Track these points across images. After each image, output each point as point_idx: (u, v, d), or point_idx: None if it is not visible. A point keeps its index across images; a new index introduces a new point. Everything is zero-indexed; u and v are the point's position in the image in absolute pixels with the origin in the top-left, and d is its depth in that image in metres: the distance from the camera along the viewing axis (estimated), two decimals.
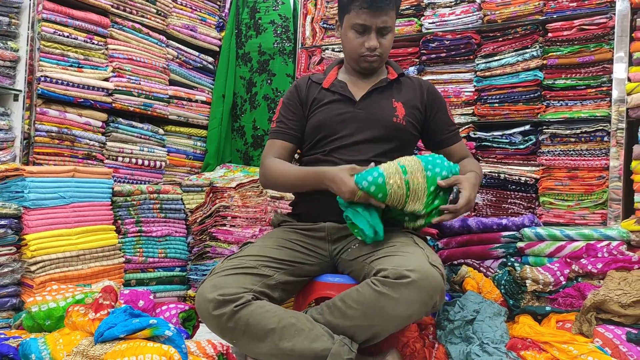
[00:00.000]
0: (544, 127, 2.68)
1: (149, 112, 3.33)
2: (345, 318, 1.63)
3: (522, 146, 2.72)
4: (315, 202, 1.92)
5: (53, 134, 2.87)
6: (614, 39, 2.52)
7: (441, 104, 2.14)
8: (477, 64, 2.86)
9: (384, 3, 1.89)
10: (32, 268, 2.39)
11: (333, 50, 3.35)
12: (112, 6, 3.14)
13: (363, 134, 1.96)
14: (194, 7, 3.69)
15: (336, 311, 1.66)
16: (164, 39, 3.46)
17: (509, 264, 2.11)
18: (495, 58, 2.82)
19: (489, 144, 2.80)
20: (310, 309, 1.73)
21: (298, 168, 1.94)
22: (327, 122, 1.99)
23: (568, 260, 2.00)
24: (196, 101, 3.67)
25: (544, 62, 2.68)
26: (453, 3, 2.96)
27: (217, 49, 3.84)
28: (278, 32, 3.70)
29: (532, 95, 2.71)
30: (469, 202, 1.75)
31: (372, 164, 1.77)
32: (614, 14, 2.51)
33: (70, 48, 2.97)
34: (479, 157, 2.83)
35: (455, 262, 2.31)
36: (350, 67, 2.08)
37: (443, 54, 2.95)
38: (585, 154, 2.57)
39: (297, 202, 2.06)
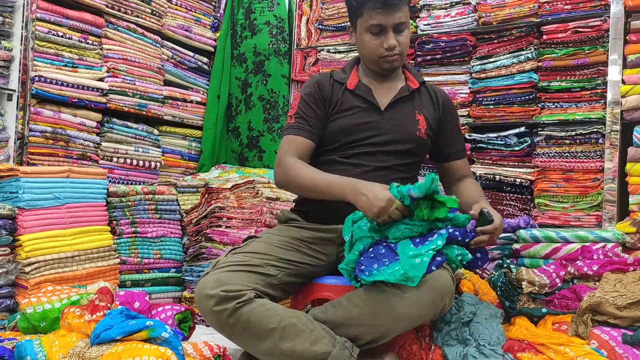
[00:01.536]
0: (539, 129, 2.69)
1: (144, 113, 3.32)
2: (350, 317, 1.63)
3: (517, 148, 2.73)
4: (326, 203, 1.87)
5: (47, 134, 2.85)
6: (608, 42, 2.53)
7: (454, 117, 2.14)
8: (473, 66, 2.87)
9: (397, 0, 1.86)
10: (27, 269, 2.37)
11: (328, 51, 3.35)
12: (107, 6, 3.12)
13: (386, 144, 1.95)
14: (189, 8, 3.68)
15: (341, 310, 1.65)
16: (159, 39, 3.44)
17: (505, 265, 2.12)
18: (491, 60, 2.83)
19: (485, 145, 2.81)
20: (312, 309, 1.73)
21: (322, 175, 1.84)
22: (351, 128, 1.96)
23: (564, 262, 2.01)
24: (191, 102, 3.66)
25: (539, 64, 2.69)
26: (448, 5, 2.97)
27: (212, 50, 3.83)
28: (273, 32, 3.69)
29: (527, 97, 2.72)
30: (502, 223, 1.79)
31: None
32: (609, 17, 2.53)
33: (64, 48, 2.96)
34: (475, 159, 2.84)
35: None
36: (370, 70, 2.04)
37: (438, 56, 2.96)
38: (580, 156, 2.58)
39: (305, 200, 2.03)
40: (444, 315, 1.82)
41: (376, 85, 2.03)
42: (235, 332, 1.62)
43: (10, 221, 2.38)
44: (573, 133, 2.59)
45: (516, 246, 2.22)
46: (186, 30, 3.63)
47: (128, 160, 3.20)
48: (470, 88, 2.87)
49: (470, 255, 1.69)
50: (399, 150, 1.97)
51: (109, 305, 1.88)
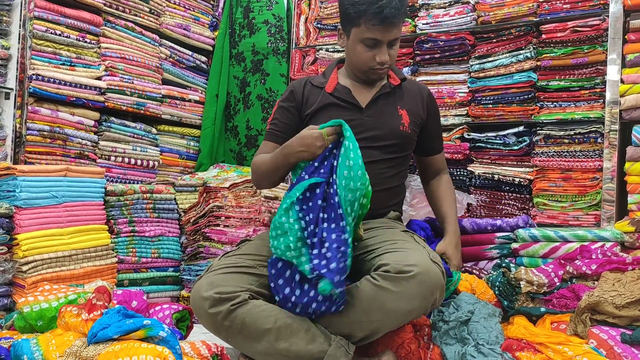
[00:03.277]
0: (538, 128, 2.69)
1: (142, 112, 3.31)
2: (342, 314, 1.63)
3: (516, 147, 2.73)
4: None
5: (45, 133, 2.84)
6: (607, 41, 2.53)
7: (437, 112, 2.22)
8: (471, 65, 2.86)
9: (397, 18, 1.86)
10: (24, 268, 2.36)
11: (327, 50, 3.35)
12: (105, 4, 3.11)
13: (370, 140, 1.97)
14: (187, 6, 3.67)
15: None
16: (157, 38, 3.43)
17: (503, 265, 2.12)
18: (489, 59, 2.82)
19: (483, 145, 2.81)
20: None
21: (272, 153, 1.93)
22: None
23: (562, 261, 2.01)
24: (189, 101, 3.66)
25: (538, 63, 2.69)
26: (447, 4, 2.96)
27: (211, 49, 3.82)
28: (272, 31, 3.69)
29: (526, 97, 2.72)
30: (459, 266, 2.06)
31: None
32: (608, 16, 2.53)
33: (62, 46, 2.95)
34: (473, 158, 2.83)
35: None
36: (355, 75, 2.06)
37: (437, 55, 2.95)
38: (578, 155, 2.58)
39: None
40: (436, 309, 1.83)
41: (356, 85, 2.06)
42: (231, 334, 1.62)
43: (7, 220, 2.38)
44: (572, 132, 2.59)
45: (515, 245, 2.22)
46: (184, 29, 3.62)
47: (126, 159, 3.19)
48: (469, 87, 2.87)
49: None
50: (384, 146, 2.00)
51: (106, 304, 1.88)
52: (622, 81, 2.45)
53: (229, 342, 1.69)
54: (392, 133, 2.00)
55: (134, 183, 3.18)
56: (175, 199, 3.15)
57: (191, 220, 3.05)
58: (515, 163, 2.75)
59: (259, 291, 1.70)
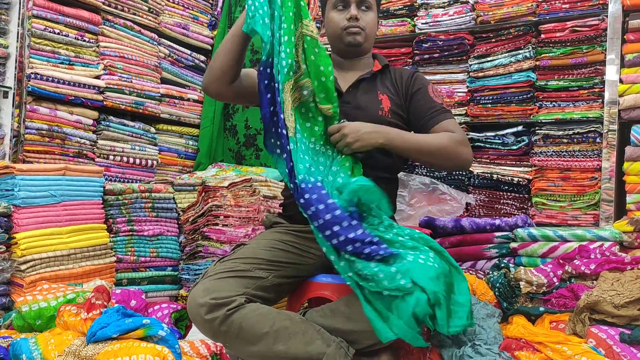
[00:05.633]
0: (537, 128, 2.69)
1: (141, 111, 3.30)
2: (349, 322, 1.62)
3: (514, 147, 2.73)
4: None
5: (43, 132, 2.83)
6: (606, 41, 2.53)
7: (421, 86, 2.02)
8: (470, 65, 2.87)
9: None
10: (22, 267, 2.36)
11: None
12: (104, 3, 3.11)
13: None
14: (186, 5, 3.67)
15: (340, 315, 1.65)
16: (156, 37, 3.43)
17: (503, 265, 2.12)
18: (488, 59, 2.83)
19: (482, 144, 2.81)
20: (310, 311, 1.72)
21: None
22: None
23: (561, 261, 2.01)
24: (188, 100, 3.65)
25: (537, 63, 2.69)
26: (446, 4, 2.97)
27: (210, 48, 3.82)
28: None
29: (524, 96, 2.72)
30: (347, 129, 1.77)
31: None
32: (606, 16, 2.53)
33: (61, 45, 2.94)
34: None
35: None
36: (337, 49, 2.07)
37: (436, 55, 2.95)
38: (577, 155, 2.59)
39: (288, 203, 2.04)
40: None
41: (340, 72, 2.04)
42: (229, 338, 1.61)
43: (5, 219, 2.37)
44: (570, 132, 2.60)
45: (514, 245, 2.22)
46: (183, 28, 3.62)
47: (125, 158, 3.19)
48: (468, 87, 2.87)
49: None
50: None
51: (105, 303, 1.88)
52: (620, 81, 2.46)
53: (227, 347, 1.68)
54: (371, 119, 1.90)
55: (132, 182, 3.17)
56: (174, 198, 3.15)
57: (190, 220, 3.04)
58: (514, 163, 2.76)
59: (256, 294, 1.69)
